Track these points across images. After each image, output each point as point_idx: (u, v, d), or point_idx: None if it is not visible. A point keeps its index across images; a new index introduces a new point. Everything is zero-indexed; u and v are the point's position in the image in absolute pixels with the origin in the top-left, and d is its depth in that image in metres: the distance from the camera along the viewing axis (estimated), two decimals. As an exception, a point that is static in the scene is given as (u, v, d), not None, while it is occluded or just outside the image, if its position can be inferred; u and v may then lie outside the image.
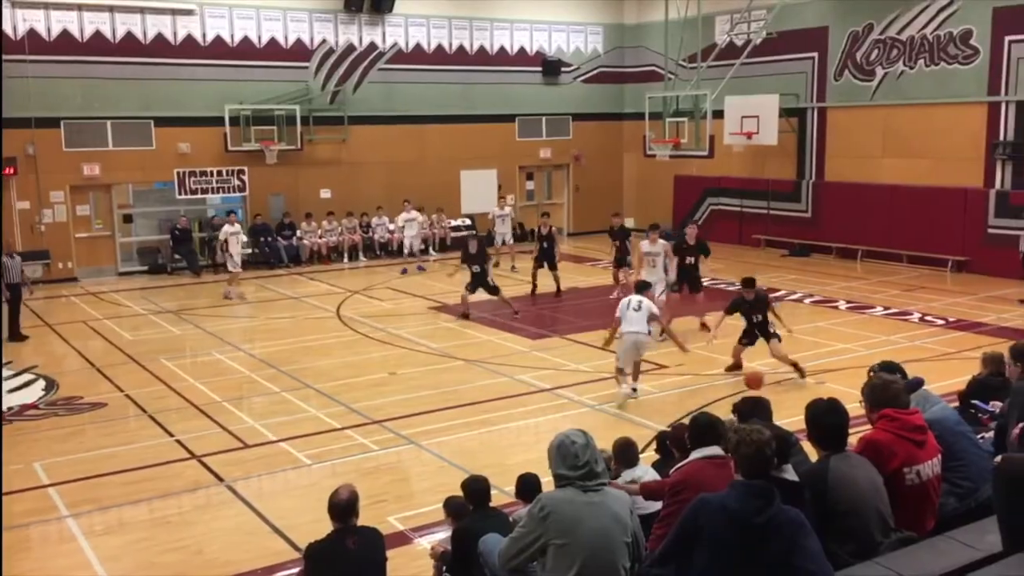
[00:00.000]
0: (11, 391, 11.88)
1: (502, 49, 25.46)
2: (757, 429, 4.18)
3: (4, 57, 17.41)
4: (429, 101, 24.22)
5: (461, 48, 24.81)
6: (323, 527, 5.37)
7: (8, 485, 8.36)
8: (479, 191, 25.15)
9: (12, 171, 19.22)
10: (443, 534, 6.65)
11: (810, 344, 13.49)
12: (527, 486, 5.90)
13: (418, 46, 24.14)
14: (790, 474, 4.72)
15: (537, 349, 13.79)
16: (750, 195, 24.26)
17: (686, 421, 6.43)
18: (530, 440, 9.79)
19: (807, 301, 17.01)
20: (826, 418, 4.72)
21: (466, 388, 11.76)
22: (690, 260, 14.44)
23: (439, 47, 24.46)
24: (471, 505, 5.82)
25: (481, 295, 15.97)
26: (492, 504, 5.95)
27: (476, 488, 5.85)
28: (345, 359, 13.43)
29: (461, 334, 14.94)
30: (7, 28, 18.92)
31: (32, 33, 19.45)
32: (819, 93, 22.54)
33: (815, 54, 22.43)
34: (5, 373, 12.25)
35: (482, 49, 25.14)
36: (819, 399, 4.90)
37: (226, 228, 18.71)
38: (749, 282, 12.02)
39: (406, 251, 22.28)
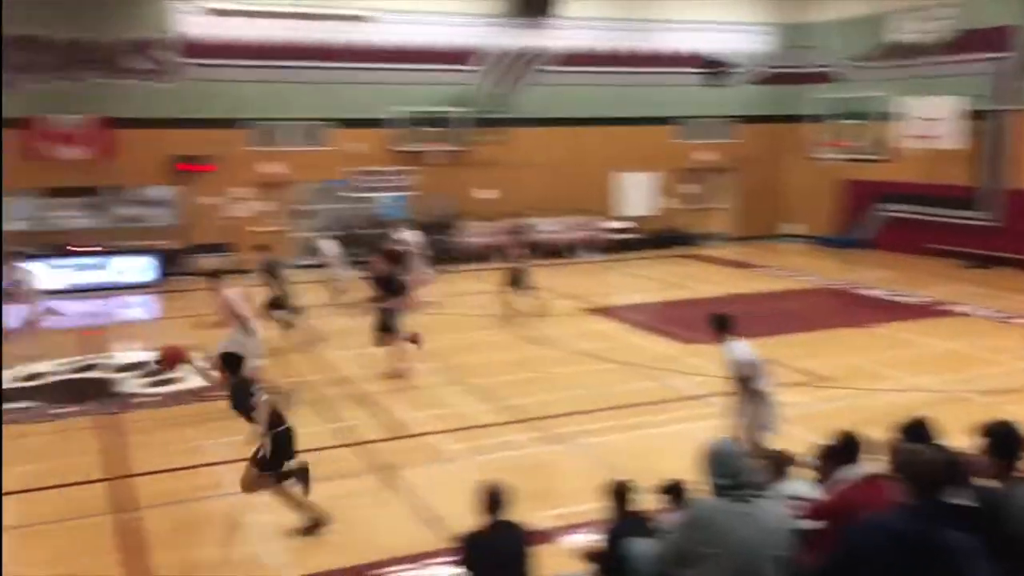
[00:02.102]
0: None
1: (667, 50, 25.19)
2: (927, 449, 3.99)
3: (200, 62, 19.91)
4: (587, 103, 24.24)
5: (626, 51, 24.70)
6: (472, 520, 5.49)
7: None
8: (636, 193, 25.09)
9: (212, 168, 20.91)
10: (591, 535, 6.62)
11: (986, 362, 12.60)
12: (673, 493, 5.88)
13: (583, 48, 24.21)
14: (962, 498, 4.42)
15: (688, 355, 13.47)
16: (927, 201, 22.75)
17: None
18: (679, 447, 9.59)
19: (989, 317, 15.88)
20: (1008, 441, 4.38)
21: (618, 390, 11.67)
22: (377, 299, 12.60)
23: (602, 50, 24.44)
24: (615, 506, 5.81)
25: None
26: (637, 508, 5.93)
27: (619, 491, 5.90)
28: (497, 357, 13.60)
29: (611, 336, 14.88)
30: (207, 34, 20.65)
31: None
32: (1006, 95, 20.96)
33: (999, 54, 20.90)
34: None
35: (645, 51, 24.95)
36: (997, 420, 4.55)
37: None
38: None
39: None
